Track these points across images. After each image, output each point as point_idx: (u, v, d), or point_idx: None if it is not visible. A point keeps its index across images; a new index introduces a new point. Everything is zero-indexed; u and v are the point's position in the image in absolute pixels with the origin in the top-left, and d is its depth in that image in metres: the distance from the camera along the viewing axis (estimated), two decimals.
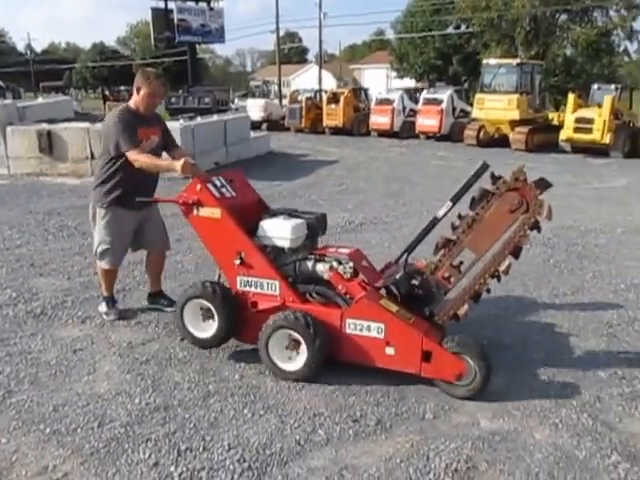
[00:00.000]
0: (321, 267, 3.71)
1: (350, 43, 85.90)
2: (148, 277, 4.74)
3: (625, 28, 30.43)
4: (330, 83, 47.11)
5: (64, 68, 60.22)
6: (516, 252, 3.32)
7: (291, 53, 77.38)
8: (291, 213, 3.94)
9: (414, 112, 20.39)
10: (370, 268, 3.86)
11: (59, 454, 2.86)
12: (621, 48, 32.94)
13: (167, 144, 4.39)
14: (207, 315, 3.81)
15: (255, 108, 23.95)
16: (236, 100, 28.77)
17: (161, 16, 26.59)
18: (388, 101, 20.89)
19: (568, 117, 15.88)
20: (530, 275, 5.60)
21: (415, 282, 3.57)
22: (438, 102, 19.58)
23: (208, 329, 3.81)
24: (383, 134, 20.75)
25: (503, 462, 2.84)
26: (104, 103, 28.13)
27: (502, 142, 17.32)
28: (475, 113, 18.02)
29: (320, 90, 26.37)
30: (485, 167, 3.43)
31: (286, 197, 9.48)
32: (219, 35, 28.93)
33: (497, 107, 17.14)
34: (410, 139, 19.92)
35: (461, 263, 3.49)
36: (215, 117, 13.78)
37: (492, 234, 3.32)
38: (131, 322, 4.41)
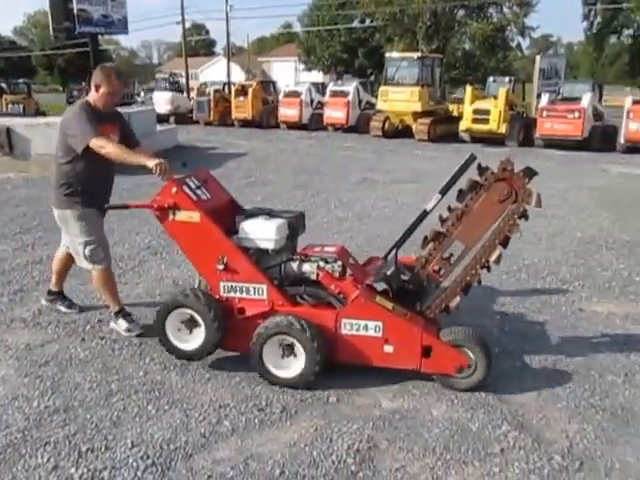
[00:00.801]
0: (308, 267, 3.60)
1: (259, 36, 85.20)
2: (55, 275, 4.44)
3: (518, 24, 32.14)
4: (239, 76, 46.58)
5: None
6: (505, 242, 3.32)
7: (198, 45, 75.93)
8: (269, 213, 3.80)
9: (322, 104, 20.60)
10: (357, 265, 3.80)
11: None
12: (514, 43, 34.77)
13: (128, 143, 4.06)
14: (192, 325, 3.58)
15: (162, 101, 23.35)
16: (142, 93, 27.88)
17: (59, 5, 25.14)
18: (296, 94, 20.96)
19: (466, 108, 16.61)
20: None
21: (404, 277, 3.53)
22: (344, 94, 19.89)
23: (192, 340, 3.59)
24: (292, 126, 20.82)
25: (403, 439, 2.97)
26: (0, 97, 26.37)
27: (406, 133, 17.89)
28: (380, 105, 18.45)
29: (229, 83, 26.06)
30: (473, 159, 3.41)
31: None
32: (122, 26, 27.76)
33: (400, 99, 17.64)
34: (319, 131, 20.12)
35: (451, 255, 3.47)
36: (117, 110, 13.29)
37: (482, 225, 3.32)
38: (29, 324, 4.23)
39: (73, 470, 2.69)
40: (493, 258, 3.32)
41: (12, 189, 9.40)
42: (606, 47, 41.78)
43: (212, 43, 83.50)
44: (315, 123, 20.51)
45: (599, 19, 37.08)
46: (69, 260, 4.32)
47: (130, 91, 24.80)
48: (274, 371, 3.43)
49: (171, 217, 3.54)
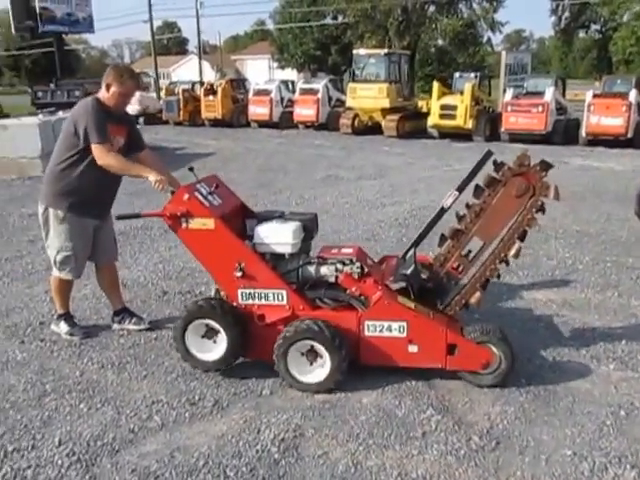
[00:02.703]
0: (326, 270, 3.54)
1: (232, 34, 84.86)
2: (106, 294, 4.33)
3: (487, 19, 32.42)
4: (211, 75, 46.43)
5: None
6: (523, 235, 3.35)
7: (170, 44, 75.45)
8: (282, 215, 3.75)
9: (292, 102, 20.62)
10: (375, 266, 3.76)
11: None
12: (485, 39, 35.11)
13: (133, 147, 4.02)
14: (212, 335, 3.50)
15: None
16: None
17: (21, 3, 24.97)
18: (266, 92, 20.95)
19: (434, 104, 16.75)
20: (383, 254, 5.90)
21: (424, 275, 3.50)
22: (314, 92, 19.92)
23: (213, 350, 3.50)
24: (263, 125, 20.83)
25: (329, 427, 3.04)
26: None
27: (375, 130, 17.98)
28: (349, 102, 18.53)
29: (200, 82, 25.97)
30: (489, 154, 3.37)
31: (152, 192, 9.29)
32: (87, 24, 27.71)
33: (368, 96, 17.73)
34: (290, 129, 20.14)
35: (469, 252, 3.46)
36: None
37: (500, 220, 3.32)
38: None
39: None
40: (512, 252, 3.34)
41: None
42: (576, 42, 42.40)
43: (184, 41, 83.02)
44: (286, 121, 20.51)
45: (567, 14, 37.57)
46: (110, 273, 4.25)
47: (96, 90, 24.51)
48: (300, 377, 3.37)
49: (184, 225, 3.43)
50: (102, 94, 3.81)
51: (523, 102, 15.46)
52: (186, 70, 53.66)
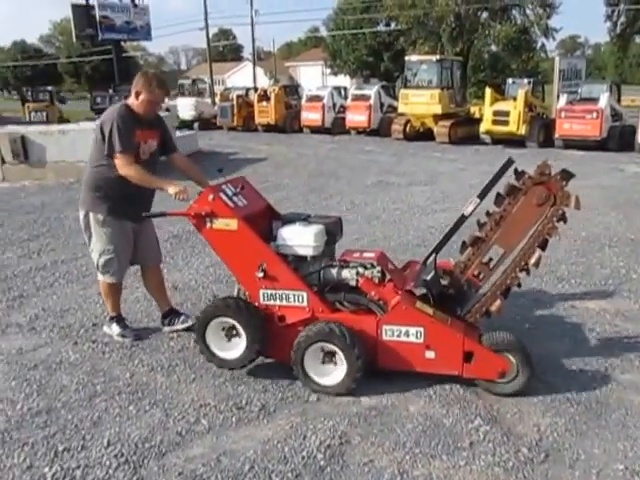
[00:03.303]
0: (347, 273, 3.56)
1: (287, 41, 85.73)
2: (153, 297, 4.39)
3: (541, 26, 31.66)
4: (265, 81, 47.02)
5: None
6: (544, 244, 3.34)
7: (225, 51, 76.78)
8: (306, 218, 3.77)
9: (344, 108, 20.64)
10: (396, 270, 3.77)
11: None
12: (538, 45, 34.30)
13: (166, 150, 4.10)
14: (232, 334, 3.55)
15: (186, 107, 23.70)
16: (166, 99, 28.28)
17: (82, 13, 25.93)
18: (318, 98, 21.05)
19: (487, 110, 16.45)
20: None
21: (444, 282, 3.50)
22: (366, 98, 19.89)
23: (234, 349, 3.55)
24: (315, 131, 20.88)
25: (375, 435, 2.99)
26: (23, 105, 26.97)
27: (427, 135, 17.78)
28: (401, 108, 18.39)
29: (252, 88, 26.30)
30: (510, 162, 3.34)
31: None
32: (145, 32, 28.49)
33: (420, 102, 17.55)
34: (341, 135, 20.13)
35: (490, 259, 3.47)
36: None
37: (520, 229, 3.31)
38: (24, 329, 4.34)
39: (47, 469, 2.76)
40: (533, 261, 3.30)
41: (25, 197, 9.64)
42: (632, 47, 40.94)
43: (239, 48, 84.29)
44: (338, 127, 20.53)
45: (623, 19, 36.21)
46: (156, 276, 4.29)
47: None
48: (316, 379, 3.39)
49: (208, 225, 3.48)
50: (132, 101, 3.84)
51: (577, 108, 15.04)
52: (240, 76, 54.49)
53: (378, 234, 7.02)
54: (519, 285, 3.43)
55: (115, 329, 4.15)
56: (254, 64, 40.32)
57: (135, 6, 27.57)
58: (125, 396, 3.40)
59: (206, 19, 34.24)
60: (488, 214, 3.38)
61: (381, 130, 19.43)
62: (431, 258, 3.55)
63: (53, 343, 4.11)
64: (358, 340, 3.29)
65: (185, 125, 21.12)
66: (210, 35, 36.70)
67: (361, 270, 3.53)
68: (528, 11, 32.26)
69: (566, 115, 15.03)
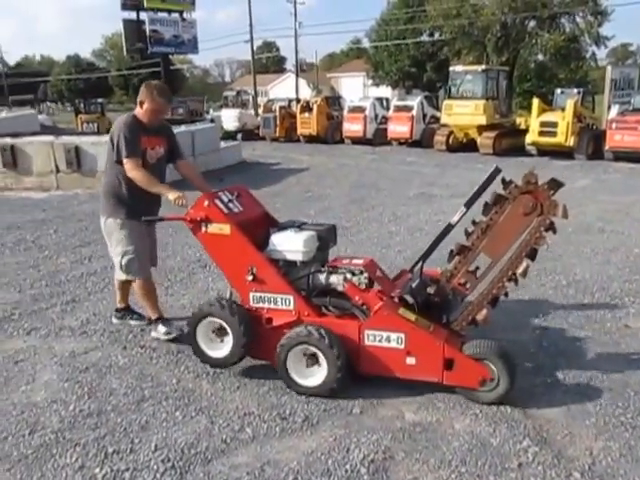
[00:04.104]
0: (335, 279, 3.65)
1: (329, 52, 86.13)
2: (119, 292, 4.56)
3: (592, 34, 30.97)
4: (307, 92, 47.36)
5: (39, 81, 59.76)
6: (532, 254, 3.32)
7: (269, 62, 77.58)
8: (300, 225, 3.91)
9: (386, 119, 20.64)
10: (384, 278, 3.84)
11: None
12: (588, 54, 33.51)
13: (173, 156, 4.32)
14: (221, 333, 3.72)
15: (230, 118, 24.11)
16: (211, 111, 28.86)
17: (133, 27, 26.82)
18: (360, 109, 21.11)
19: (533, 121, 16.20)
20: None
21: (431, 290, 3.53)
22: (408, 109, 19.87)
23: (222, 348, 3.72)
24: (357, 141, 20.95)
25: (420, 451, 2.95)
26: (76, 116, 27.95)
27: (471, 147, 17.62)
28: (444, 119, 18.30)
29: (294, 99, 26.56)
30: (497, 171, 3.39)
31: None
32: (192, 45, 29.15)
33: (465, 113, 17.43)
34: (383, 146, 20.14)
35: (477, 268, 3.49)
36: (183, 127, 13.85)
37: (507, 238, 3.32)
38: (76, 332, 4.47)
39: (97, 470, 2.83)
40: (520, 270, 3.30)
41: (78, 204, 9.92)
42: None
43: (282, 60, 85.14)
44: (379, 138, 20.55)
45: None
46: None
47: (199, 108, 25.67)
48: (298, 380, 3.49)
49: (203, 229, 3.67)
50: (137, 110, 4.09)
51: (630, 119, 14.66)
52: (283, 88, 55.06)
53: (421, 245, 6.92)
54: (506, 294, 3.44)
55: (161, 329, 4.29)
56: (297, 75, 40.65)
57: (183, 20, 28.24)
58: (172, 401, 3.46)
59: (251, 32, 34.74)
60: (475, 223, 3.39)
61: (423, 141, 19.38)
62: (418, 266, 3.61)
63: (103, 347, 4.21)
64: (338, 342, 3.37)
65: (229, 136, 21.45)
66: (254, 47, 37.27)
67: (349, 276, 3.61)
68: (578, 19, 31.59)
69: (617, 126, 14.70)
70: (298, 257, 3.68)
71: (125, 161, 3.94)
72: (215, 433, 3.14)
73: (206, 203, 3.65)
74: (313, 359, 3.47)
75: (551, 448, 2.96)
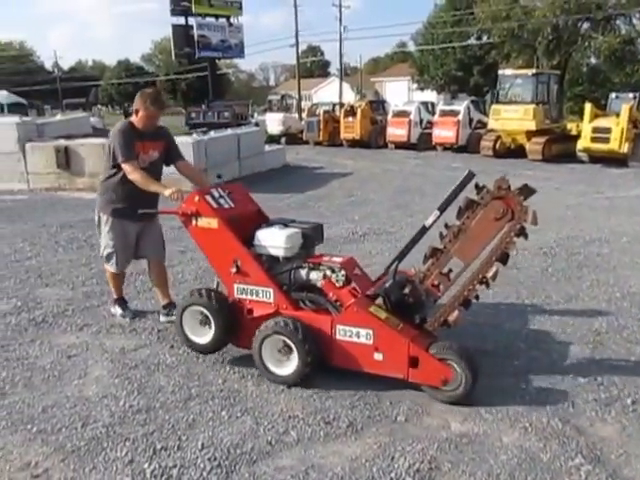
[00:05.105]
0: (315, 275, 3.83)
1: (373, 56, 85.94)
2: (155, 288, 4.88)
3: None
4: (351, 96, 47.36)
5: (91, 85, 61.63)
6: (503, 259, 3.40)
7: (313, 67, 78.04)
8: (287, 223, 4.06)
9: (431, 124, 20.46)
10: (363, 276, 3.96)
11: (42, 451, 3.02)
12: None
13: (171, 158, 4.58)
14: (205, 322, 3.94)
15: (274, 122, 24.30)
16: (255, 114, 29.18)
17: (181, 32, 27.37)
18: (405, 113, 21.00)
19: (585, 127, 15.79)
20: (525, 283, 5.64)
21: (406, 290, 3.62)
22: (454, 113, 19.65)
23: (205, 335, 3.94)
24: (400, 146, 20.81)
25: (467, 463, 2.91)
26: (125, 119, 28.66)
27: (519, 152, 17.30)
28: (491, 124, 18.01)
29: (338, 103, 26.60)
30: (471, 176, 3.50)
31: (295, 209, 9.62)
32: (239, 50, 29.53)
33: (513, 118, 17.11)
34: (427, 151, 19.95)
35: (450, 271, 3.57)
36: (229, 131, 14.03)
37: (479, 242, 3.39)
38: (126, 329, 4.57)
39: (146, 465, 2.89)
40: (490, 274, 3.39)
41: None
42: None
43: (326, 64, 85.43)
44: (424, 143, 20.38)
45: None
46: (155, 271, 4.77)
47: (244, 112, 25.98)
48: (272, 368, 3.68)
49: (194, 223, 3.91)
50: (133, 117, 4.37)
51: None
52: (327, 92, 55.22)
53: None
54: (477, 297, 3.53)
55: (117, 310, 4.77)
56: (341, 80, 40.82)
57: (230, 25, 28.65)
58: (218, 401, 3.50)
59: (297, 36, 35.06)
60: (447, 226, 3.48)
61: (469, 146, 19.11)
62: (392, 267, 3.71)
63: (152, 345, 4.30)
64: (310, 334, 3.54)
65: (273, 139, 21.63)
66: (299, 52, 37.49)
67: (328, 273, 3.76)
68: (635, 20, 30.68)
69: None
70: (280, 253, 3.86)
71: (123, 165, 4.22)
72: (260, 434, 3.16)
73: (196, 198, 3.87)
74: (287, 350, 3.62)
75: (605, 467, 2.86)
